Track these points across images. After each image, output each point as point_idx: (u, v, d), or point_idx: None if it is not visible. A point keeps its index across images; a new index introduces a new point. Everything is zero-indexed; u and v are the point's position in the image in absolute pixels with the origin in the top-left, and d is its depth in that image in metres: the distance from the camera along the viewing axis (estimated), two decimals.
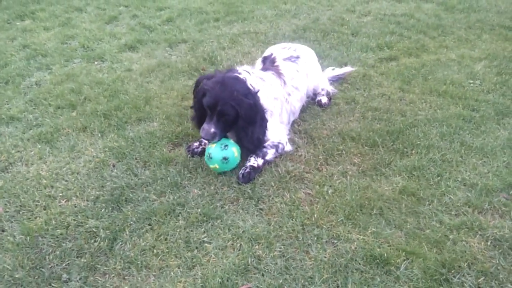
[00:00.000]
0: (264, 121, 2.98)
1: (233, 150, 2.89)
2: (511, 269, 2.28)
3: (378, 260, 2.31)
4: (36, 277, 2.23)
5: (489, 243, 2.43)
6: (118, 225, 2.53)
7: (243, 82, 2.92)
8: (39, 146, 3.21)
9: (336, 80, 4.09)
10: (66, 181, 2.88)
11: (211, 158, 2.87)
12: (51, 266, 2.30)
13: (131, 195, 2.76)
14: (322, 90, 3.83)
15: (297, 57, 3.65)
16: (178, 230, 2.50)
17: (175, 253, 2.36)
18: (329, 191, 2.77)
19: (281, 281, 2.20)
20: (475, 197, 2.73)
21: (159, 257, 2.34)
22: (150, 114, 3.58)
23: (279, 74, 3.34)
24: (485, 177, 2.90)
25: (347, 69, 4.20)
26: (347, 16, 5.62)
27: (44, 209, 2.65)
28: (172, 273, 2.25)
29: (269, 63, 3.47)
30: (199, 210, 2.62)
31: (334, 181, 2.87)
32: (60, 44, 4.86)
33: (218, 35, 5.06)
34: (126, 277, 2.25)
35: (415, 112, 3.60)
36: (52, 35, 5.09)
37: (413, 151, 3.13)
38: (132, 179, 2.89)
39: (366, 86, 3.99)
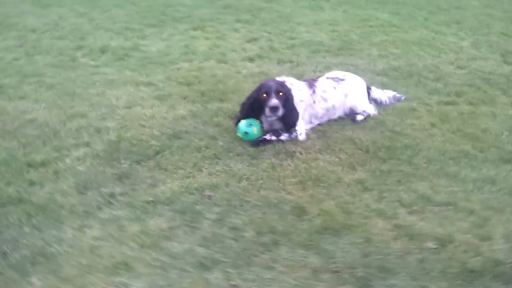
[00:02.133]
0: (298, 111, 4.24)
1: (254, 129, 4.11)
2: (394, 247, 2.94)
3: (298, 209, 3.26)
4: (107, 157, 3.88)
5: (390, 226, 3.11)
6: (167, 146, 4.02)
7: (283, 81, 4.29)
8: (153, 101, 4.97)
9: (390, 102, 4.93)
10: (157, 120, 4.53)
11: (238, 128, 4.16)
12: (119, 155, 3.91)
13: (184, 136, 4.22)
14: (364, 111, 4.68)
15: (342, 80, 4.68)
16: (194, 158, 3.86)
17: (184, 166, 3.72)
18: (303, 166, 3.77)
19: (232, 197, 3.36)
20: (410, 200, 3.37)
21: (177, 165, 3.73)
22: (230, 99, 5.03)
23: (311, 84, 4.48)
24: (436, 192, 3.46)
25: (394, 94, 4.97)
26: (444, 66, 6.14)
27: (134, 129, 4.33)
28: (176, 176, 3.62)
29: (311, 79, 4.62)
30: (213, 152, 3.94)
31: (314, 162, 3.83)
32: (208, 49, 6.77)
33: (318, 62, 6.27)
34: (156, 170, 3.71)
35: (424, 140, 4.20)
36: (207, 43, 7.07)
37: (391, 161, 3.84)
38: (190, 129, 4.35)
39: (404, 116, 4.69)
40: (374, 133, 4.35)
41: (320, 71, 5.91)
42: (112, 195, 3.41)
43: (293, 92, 4.25)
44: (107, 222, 3.14)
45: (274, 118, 4.12)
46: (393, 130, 4.40)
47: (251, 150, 3.99)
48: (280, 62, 6.29)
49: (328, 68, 6.03)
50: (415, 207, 3.30)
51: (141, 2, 9.67)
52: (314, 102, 4.44)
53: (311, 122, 4.48)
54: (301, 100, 4.33)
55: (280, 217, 3.18)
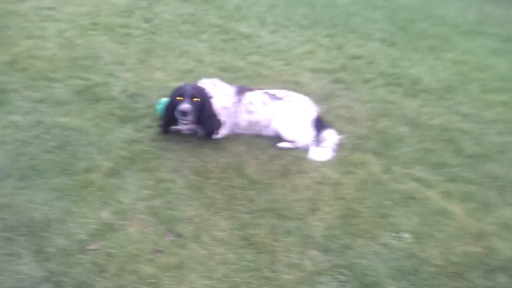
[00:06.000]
0: (219, 118, 4.19)
1: (159, 108, 4.31)
2: None
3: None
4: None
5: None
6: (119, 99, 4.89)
7: (203, 87, 4.20)
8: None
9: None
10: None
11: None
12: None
13: (147, 95, 4.90)
14: (294, 142, 4.20)
15: (279, 99, 4.31)
16: (109, 118, 4.60)
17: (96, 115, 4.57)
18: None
19: None
20: (118, 209, 3.25)
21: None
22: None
23: (240, 93, 4.31)
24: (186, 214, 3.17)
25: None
26: None
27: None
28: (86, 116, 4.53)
29: (246, 87, 4.46)
30: (126, 114, 4.53)
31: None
32: (300, 53, 6.86)
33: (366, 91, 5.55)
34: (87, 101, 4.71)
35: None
36: (308, 48, 7.13)
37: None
38: (161, 93, 4.83)
39: (338, 166, 4.02)
40: (262, 162, 3.96)
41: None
42: (40, 101, 4.54)
43: (216, 98, 4.17)
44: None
45: (186, 128, 4.13)
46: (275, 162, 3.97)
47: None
48: (331, 81, 5.98)
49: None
50: (119, 218, 3.13)
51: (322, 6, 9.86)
52: (236, 111, 4.27)
53: (233, 131, 4.35)
54: (224, 107, 4.22)
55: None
